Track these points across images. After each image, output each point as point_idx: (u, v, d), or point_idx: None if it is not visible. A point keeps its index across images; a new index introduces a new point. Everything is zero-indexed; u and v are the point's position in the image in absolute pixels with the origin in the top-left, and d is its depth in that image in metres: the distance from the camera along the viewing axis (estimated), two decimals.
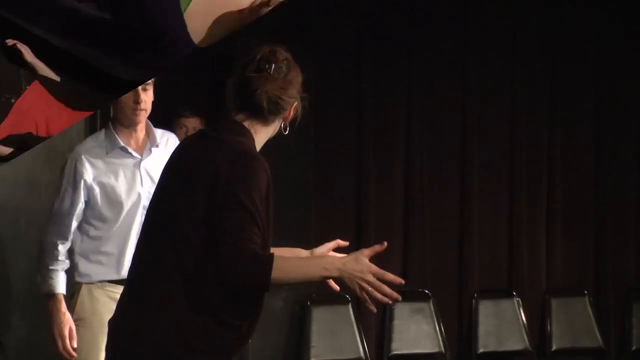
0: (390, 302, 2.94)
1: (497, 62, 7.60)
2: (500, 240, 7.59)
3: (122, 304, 3.12)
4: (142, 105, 4.26)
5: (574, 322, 7.56)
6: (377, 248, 3.00)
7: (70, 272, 4.31)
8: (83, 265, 4.26)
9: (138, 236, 3.21)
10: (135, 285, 3.08)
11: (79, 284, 4.28)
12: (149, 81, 4.21)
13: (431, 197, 7.43)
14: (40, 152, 5.03)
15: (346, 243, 3.23)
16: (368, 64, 7.28)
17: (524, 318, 7.42)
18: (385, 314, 7.21)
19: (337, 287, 3.07)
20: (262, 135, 3.10)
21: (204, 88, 6.01)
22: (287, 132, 3.12)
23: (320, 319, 6.97)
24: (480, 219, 7.51)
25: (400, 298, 2.94)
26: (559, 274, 7.70)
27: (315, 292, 6.98)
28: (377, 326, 7.24)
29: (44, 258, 4.25)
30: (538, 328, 7.57)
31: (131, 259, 3.16)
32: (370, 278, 2.90)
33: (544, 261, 7.65)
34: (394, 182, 7.36)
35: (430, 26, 7.43)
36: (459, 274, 7.47)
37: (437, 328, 7.21)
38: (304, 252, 3.33)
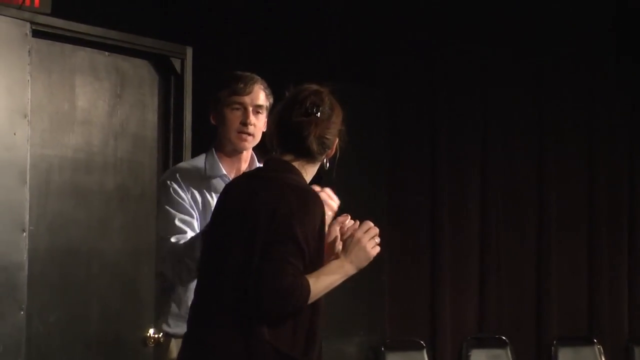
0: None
1: (573, 109, 7.54)
2: (580, 285, 7.47)
3: (183, 344, 3.09)
4: (250, 129, 3.66)
5: None
6: (341, 219, 3.14)
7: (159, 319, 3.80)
8: (173, 319, 3.71)
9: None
10: (194, 324, 3.05)
11: (169, 339, 3.73)
12: (263, 104, 3.71)
13: (508, 242, 7.35)
14: (113, 195, 5.05)
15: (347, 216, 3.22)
16: (442, 107, 7.25)
17: None
18: None
19: None
20: (310, 173, 3.14)
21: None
22: (327, 167, 3.17)
23: None
24: (558, 263, 7.40)
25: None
26: None
27: (389, 337, 6.92)
28: None
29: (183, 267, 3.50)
30: None
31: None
32: (360, 234, 3.14)
33: (625, 307, 7.52)
34: (470, 228, 7.28)
35: (504, 68, 7.39)
36: (537, 320, 7.36)
37: None
38: None
